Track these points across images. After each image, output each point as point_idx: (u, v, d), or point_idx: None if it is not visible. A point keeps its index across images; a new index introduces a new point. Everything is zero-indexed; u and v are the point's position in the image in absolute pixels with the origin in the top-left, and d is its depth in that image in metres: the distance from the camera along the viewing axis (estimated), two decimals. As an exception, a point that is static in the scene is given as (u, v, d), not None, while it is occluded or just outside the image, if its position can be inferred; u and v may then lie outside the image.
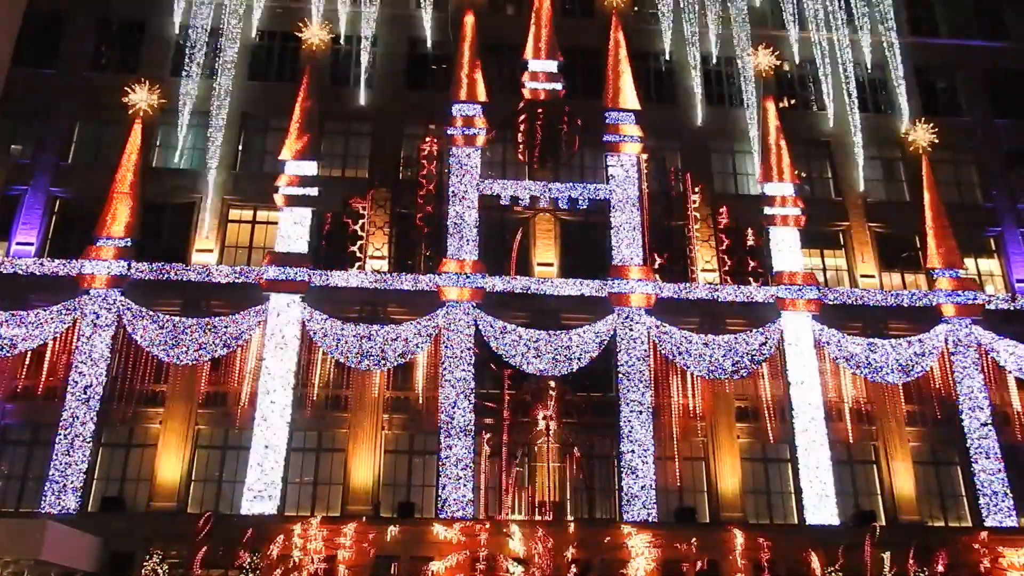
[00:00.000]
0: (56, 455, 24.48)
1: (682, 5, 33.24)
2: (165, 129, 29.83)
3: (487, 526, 23.77)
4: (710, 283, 28.34)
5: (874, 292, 28.68)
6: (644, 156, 29.53)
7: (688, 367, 26.78)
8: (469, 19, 30.63)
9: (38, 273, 26.51)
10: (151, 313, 25.99)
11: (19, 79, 29.21)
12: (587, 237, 28.93)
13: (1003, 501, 25.99)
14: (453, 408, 25.68)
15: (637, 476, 25.35)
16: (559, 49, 30.66)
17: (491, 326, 26.60)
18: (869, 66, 32.99)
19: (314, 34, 30.65)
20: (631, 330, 27.02)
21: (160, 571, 22.31)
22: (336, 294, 26.89)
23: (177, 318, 26.01)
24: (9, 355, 25.38)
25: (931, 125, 31.24)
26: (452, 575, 23.00)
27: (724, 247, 28.97)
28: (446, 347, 26.36)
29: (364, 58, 31.01)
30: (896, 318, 28.31)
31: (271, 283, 26.60)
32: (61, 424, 24.78)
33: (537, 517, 24.72)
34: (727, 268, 28.65)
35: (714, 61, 32.52)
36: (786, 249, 28.72)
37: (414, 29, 32.02)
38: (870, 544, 23.94)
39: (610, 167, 29.32)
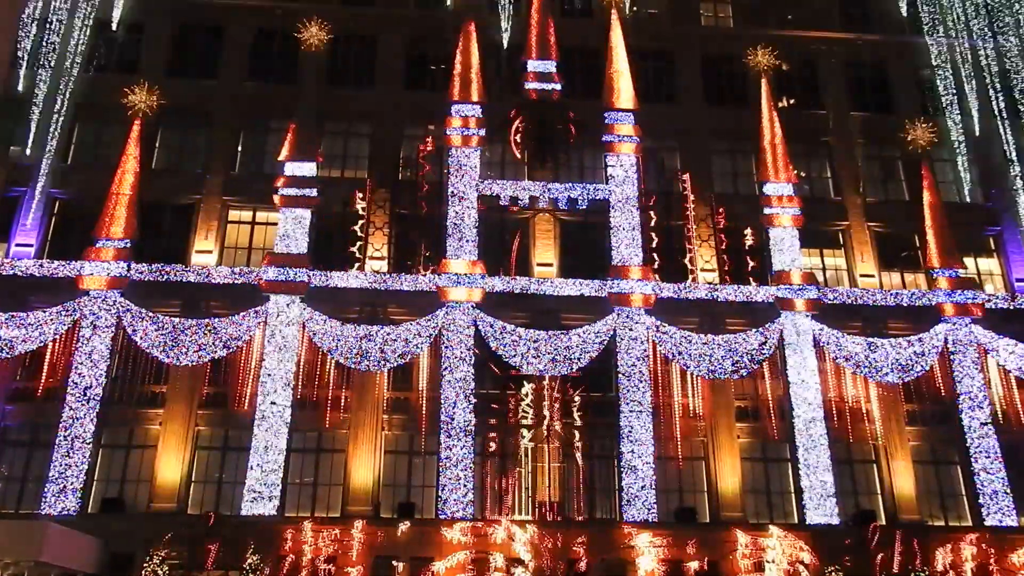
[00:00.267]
0: (56, 456, 24.47)
1: (681, 4, 33.31)
2: (164, 130, 29.81)
3: (487, 526, 23.75)
4: (710, 283, 28.34)
5: (874, 292, 28.70)
6: (643, 156, 29.52)
7: (688, 367, 26.78)
8: (468, 19, 30.59)
9: (38, 274, 26.50)
10: (151, 314, 25.98)
11: (18, 80, 29.55)
12: (587, 237, 28.94)
13: (1003, 501, 26.00)
14: (453, 408, 25.67)
15: (637, 476, 25.35)
16: (558, 49, 30.68)
17: (491, 326, 26.60)
18: (868, 65, 33.00)
19: (313, 34, 30.65)
20: (631, 330, 27.03)
21: (160, 572, 22.27)
22: (336, 295, 26.88)
23: (177, 319, 26.00)
24: (9, 356, 25.36)
25: (930, 124, 31.28)
26: (452, 575, 23.00)
27: (724, 247, 29.00)
28: (446, 347, 26.36)
29: (363, 59, 30.99)
30: (896, 318, 28.33)
31: (271, 284, 26.60)
32: (61, 425, 24.77)
33: (537, 517, 24.71)
34: (727, 268, 28.67)
35: (713, 60, 32.51)
36: (786, 249, 28.74)
37: (413, 29, 32.03)
38: (870, 544, 23.95)
39: (609, 167, 29.33)
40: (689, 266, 28.58)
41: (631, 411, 26.06)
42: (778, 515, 26.08)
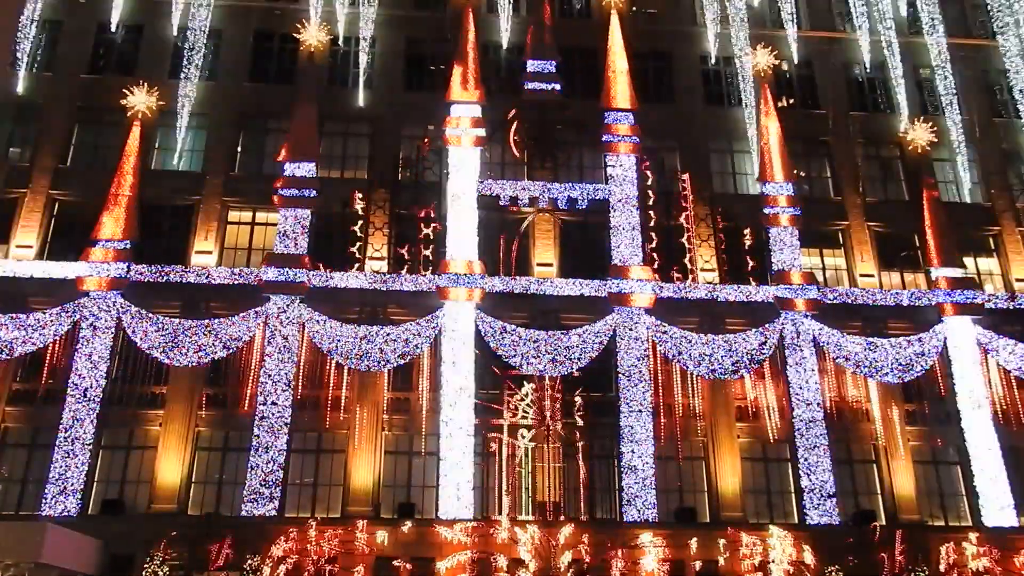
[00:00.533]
0: (56, 458, 24.45)
1: (681, 4, 33.32)
2: (164, 131, 29.83)
3: (488, 527, 23.74)
4: (709, 283, 28.34)
5: (873, 291, 28.70)
6: (643, 156, 29.52)
7: (688, 367, 26.78)
8: (467, 19, 30.59)
9: (37, 276, 26.51)
10: (150, 315, 25.97)
11: (17, 81, 29.57)
12: (587, 237, 28.93)
13: (1003, 500, 25.98)
14: (453, 408, 25.67)
15: (637, 476, 25.35)
16: (558, 49, 30.67)
17: (491, 326, 26.60)
18: (868, 65, 33.01)
19: (312, 35, 30.66)
20: (631, 330, 27.03)
21: (160, 573, 22.27)
22: (336, 295, 26.88)
23: (176, 320, 25.99)
24: (9, 358, 25.35)
25: (930, 124, 31.27)
26: (453, 575, 23.00)
27: (723, 247, 29.01)
28: (446, 348, 26.35)
29: (363, 59, 31.02)
30: (895, 317, 28.35)
31: (270, 284, 26.59)
32: (61, 426, 24.76)
33: (537, 517, 24.70)
34: (726, 268, 28.67)
35: (713, 60, 32.52)
36: (785, 248, 28.73)
37: (412, 30, 32.02)
38: (871, 544, 23.95)
39: (609, 167, 29.33)
40: (689, 266, 28.57)
41: (631, 411, 26.05)
42: (778, 515, 26.06)
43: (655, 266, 28.16)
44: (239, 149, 30.14)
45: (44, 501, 24.05)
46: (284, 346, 26.00)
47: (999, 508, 25.88)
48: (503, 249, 28.31)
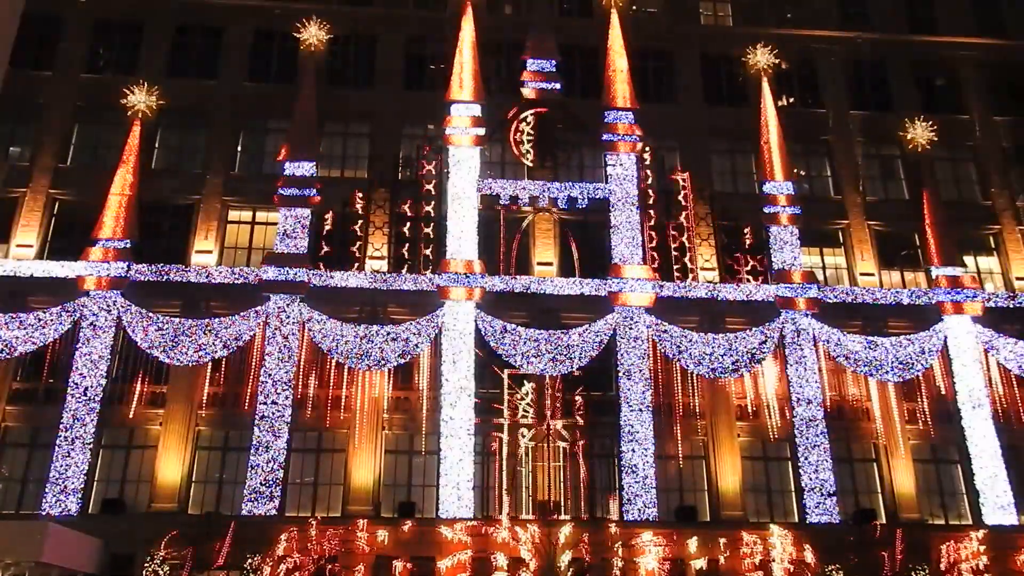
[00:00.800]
0: (56, 457, 24.46)
1: (681, 4, 33.31)
2: (164, 131, 29.84)
3: (488, 526, 23.74)
4: (710, 282, 28.34)
5: (873, 290, 28.70)
6: (643, 155, 29.53)
7: (688, 366, 26.78)
8: (467, 19, 30.59)
9: (37, 275, 26.52)
10: (151, 314, 25.98)
11: (17, 81, 29.49)
12: (587, 236, 28.94)
13: (1003, 499, 25.98)
14: (453, 407, 25.67)
15: (637, 475, 25.35)
16: (558, 48, 30.67)
17: (491, 326, 26.60)
18: (868, 63, 32.99)
19: (312, 35, 30.65)
20: (631, 329, 27.03)
21: (161, 572, 22.27)
22: (336, 294, 26.88)
23: (177, 319, 26.00)
24: (9, 357, 25.36)
25: (930, 123, 31.27)
26: (453, 575, 23.00)
27: (723, 246, 29.01)
28: (446, 347, 26.35)
29: (362, 59, 31.00)
30: (896, 316, 28.34)
31: (271, 284, 26.59)
32: (61, 426, 24.75)
33: (537, 516, 24.68)
34: (727, 267, 28.68)
35: (713, 60, 32.50)
36: (786, 247, 28.72)
37: (412, 29, 32.02)
38: (871, 542, 23.95)
39: (609, 166, 29.32)
40: (689, 265, 28.57)
41: (631, 410, 26.05)
42: (778, 514, 26.05)
43: (655, 265, 28.17)
44: (239, 149, 30.15)
45: (44, 500, 24.05)
46: (284, 345, 26.01)
47: (999, 507, 25.88)
48: (503, 248, 28.32)
